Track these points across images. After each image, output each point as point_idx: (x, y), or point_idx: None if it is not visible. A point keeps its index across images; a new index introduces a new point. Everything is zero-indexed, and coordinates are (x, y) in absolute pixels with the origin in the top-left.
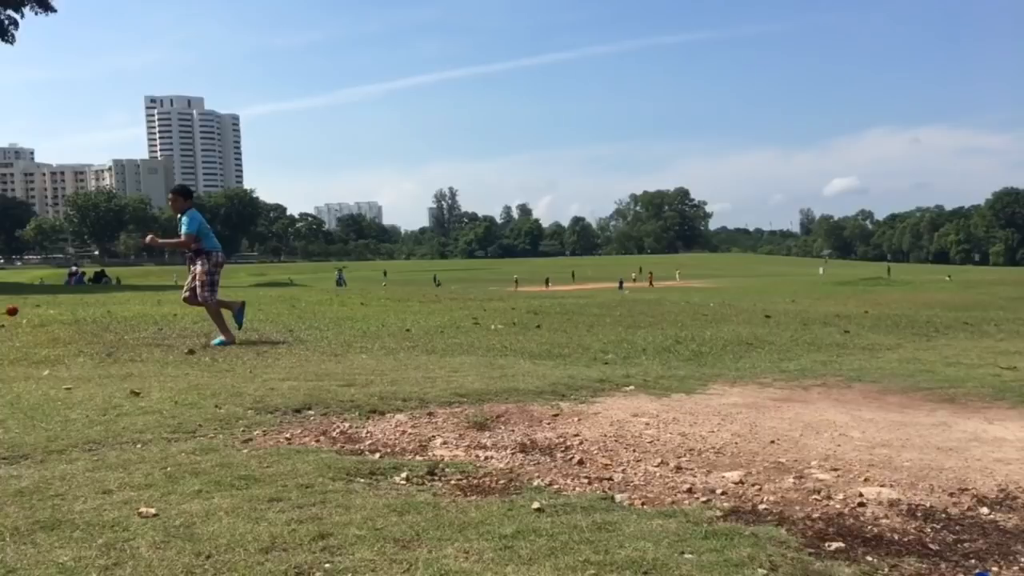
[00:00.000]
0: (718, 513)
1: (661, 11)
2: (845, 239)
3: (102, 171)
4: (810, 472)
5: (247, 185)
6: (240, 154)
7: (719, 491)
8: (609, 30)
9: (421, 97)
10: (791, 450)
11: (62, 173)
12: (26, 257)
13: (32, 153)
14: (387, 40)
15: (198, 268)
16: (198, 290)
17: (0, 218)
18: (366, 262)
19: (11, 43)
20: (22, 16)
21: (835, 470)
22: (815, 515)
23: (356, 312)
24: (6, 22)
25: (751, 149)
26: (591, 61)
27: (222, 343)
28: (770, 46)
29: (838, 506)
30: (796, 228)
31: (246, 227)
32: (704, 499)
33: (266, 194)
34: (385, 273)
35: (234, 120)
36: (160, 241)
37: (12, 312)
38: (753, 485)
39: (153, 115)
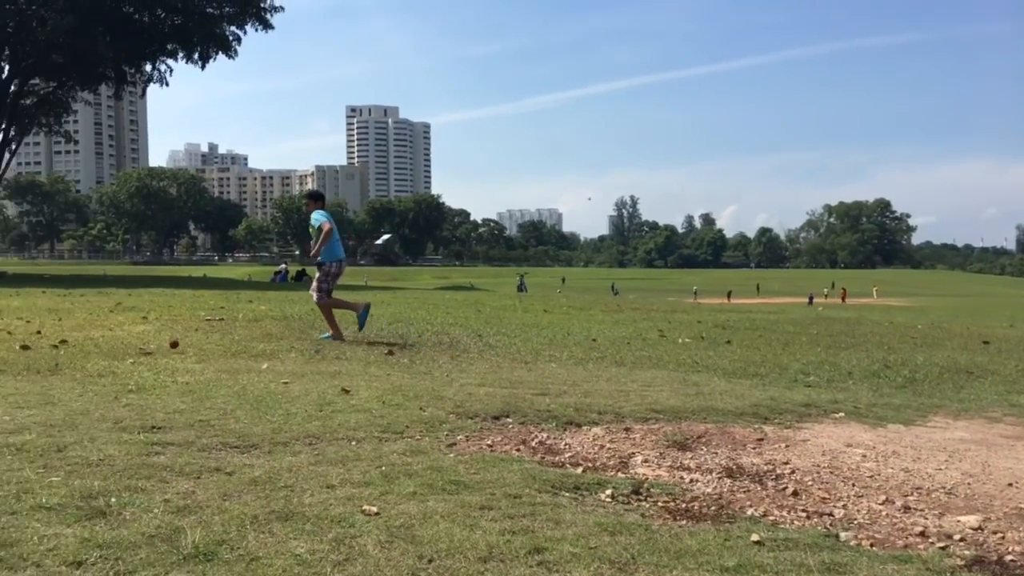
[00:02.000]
0: (959, 562)
1: (862, 13)
2: None
3: (305, 176)
4: None
5: (434, 191)
6: (429, 161)
7: (956, 537)
8: (804, 33)
9: (606, 104)
10: None
11: (271, 178)
12: (236, 255)
13: (246, 159)
14: (577, 48)
15: (317, 274)
16: (312, 291)
17: (216, 219)
18: (545, 268)
19: (234, 57)
20: (244, 33)
21: None
22: None
23: (540, 319)
24: (230, 38)
25: (961, 159)
26: (783, 66)
27: (328, 337)
28: (986, 47)
29: None
30: (1011, 245)
31: (432, 231)
32: (941, 545)
33: (451, 199)
34: (563, 280)
35: (425, 128)
36: (315, 248)
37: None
38: (994, 532)
39: (352, 123)
